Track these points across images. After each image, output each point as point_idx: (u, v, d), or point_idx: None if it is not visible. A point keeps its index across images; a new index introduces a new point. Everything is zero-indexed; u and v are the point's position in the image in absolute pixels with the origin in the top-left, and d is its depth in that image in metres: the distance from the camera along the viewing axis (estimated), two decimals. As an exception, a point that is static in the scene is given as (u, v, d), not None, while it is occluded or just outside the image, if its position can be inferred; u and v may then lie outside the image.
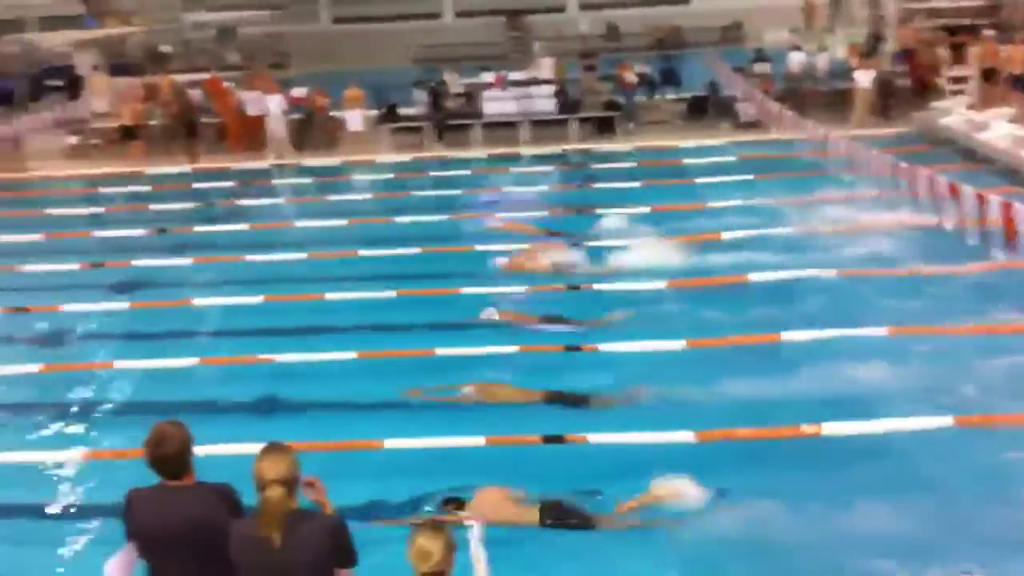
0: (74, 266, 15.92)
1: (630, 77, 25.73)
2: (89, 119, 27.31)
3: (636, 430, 9.00)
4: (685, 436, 8.82)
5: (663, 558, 7.33)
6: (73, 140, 26.64)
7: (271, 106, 24.26)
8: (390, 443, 9.00)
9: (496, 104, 24.81)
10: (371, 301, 13.16)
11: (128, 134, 24.92)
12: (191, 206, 20.00)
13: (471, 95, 25.69)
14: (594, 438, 8.96)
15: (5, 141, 25.15)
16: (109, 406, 10.54)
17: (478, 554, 5.51)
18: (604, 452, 8.82)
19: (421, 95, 25.47)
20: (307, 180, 22.40)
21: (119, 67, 32.16)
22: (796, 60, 26.30)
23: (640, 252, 14.29)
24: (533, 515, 7.73)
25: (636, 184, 19.27)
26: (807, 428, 8.83)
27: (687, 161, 21.28)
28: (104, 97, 28.07)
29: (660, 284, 13.11)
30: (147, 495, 5.06)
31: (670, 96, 27.53)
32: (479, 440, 8.96)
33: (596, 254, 14.55)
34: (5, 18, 35.56)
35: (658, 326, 11.52)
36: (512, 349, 11.10)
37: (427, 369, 10.69)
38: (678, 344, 10.98)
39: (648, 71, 27.50)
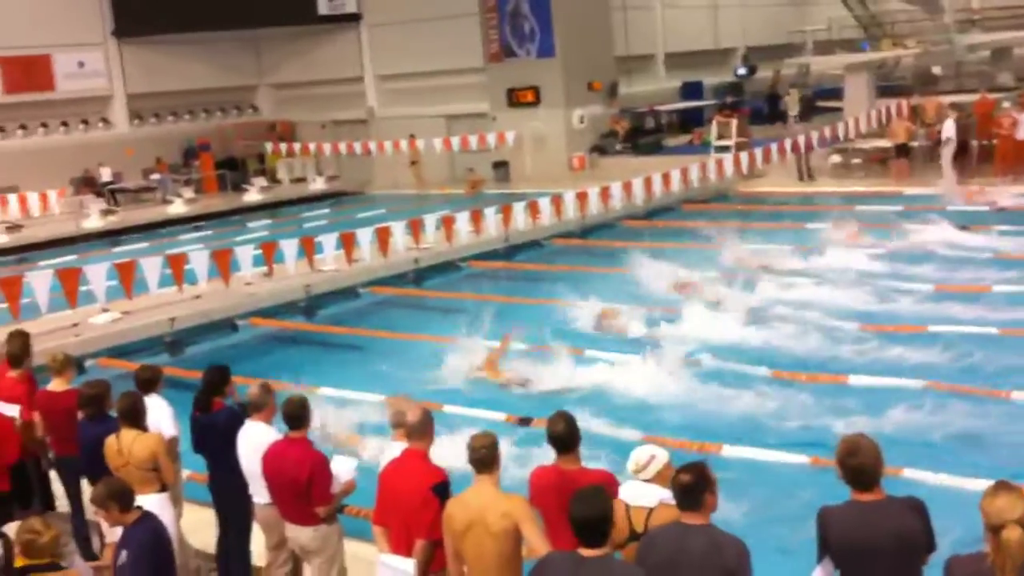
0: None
1: None
2: (852, 139, 28.01)
3: None
4: None
5: None
6: (837, 158, 27.64)
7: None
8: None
9: None
10: None
11: (899, 153, 25.38)
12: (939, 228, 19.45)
13: None
14: None
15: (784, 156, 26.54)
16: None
17: None
18: None
19: None
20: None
21: (887, 88, 32.64)
22: None
23: None
24: None
25: None
26: None
27: None
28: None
29: None
30: (843, 511, 5.09)
31: None
32: None
33: None
34: (786, 42, 37.95)
35: None
36: None
37: None
38: None
39: None
